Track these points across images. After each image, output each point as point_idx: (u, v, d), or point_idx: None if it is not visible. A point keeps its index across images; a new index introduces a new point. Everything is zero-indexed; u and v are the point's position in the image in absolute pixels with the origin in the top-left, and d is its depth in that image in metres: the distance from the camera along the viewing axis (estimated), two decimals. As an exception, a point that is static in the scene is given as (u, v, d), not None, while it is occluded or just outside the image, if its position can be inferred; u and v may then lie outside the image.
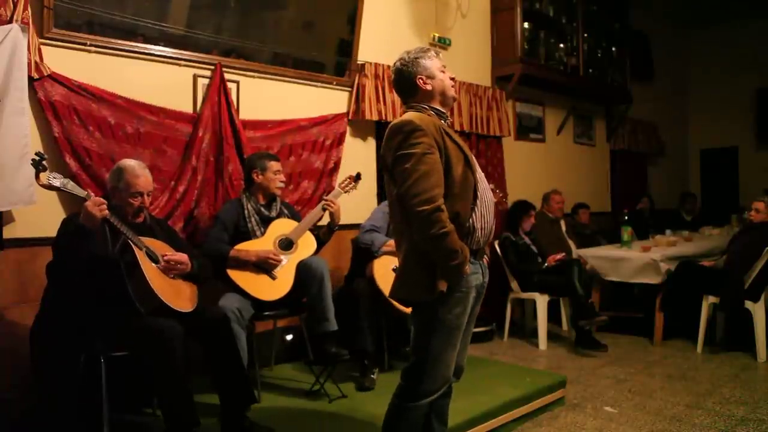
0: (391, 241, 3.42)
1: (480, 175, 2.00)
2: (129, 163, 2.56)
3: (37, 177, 2.19)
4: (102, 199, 2.27)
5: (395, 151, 1.88)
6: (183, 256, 2.58)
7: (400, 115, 1.99)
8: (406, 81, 2.04)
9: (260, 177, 3.16)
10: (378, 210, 3.70)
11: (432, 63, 2.03)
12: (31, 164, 2.19)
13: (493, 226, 2.05)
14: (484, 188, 2.00)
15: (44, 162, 2.19)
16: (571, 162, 6.39)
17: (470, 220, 1.93)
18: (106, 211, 2.26)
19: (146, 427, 2.71)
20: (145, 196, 2.54)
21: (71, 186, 2.25)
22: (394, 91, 2.16)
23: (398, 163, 1.87)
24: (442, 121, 2.01)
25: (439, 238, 1.80)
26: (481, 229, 1.96)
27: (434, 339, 1.94)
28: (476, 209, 1.94)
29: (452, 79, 2.07)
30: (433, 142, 1.87)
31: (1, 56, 2.55)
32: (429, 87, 2.02)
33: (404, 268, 1.96)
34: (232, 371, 2.56)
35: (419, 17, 4.66)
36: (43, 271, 2.50)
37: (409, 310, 2.04)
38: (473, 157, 2.02)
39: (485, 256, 2.08)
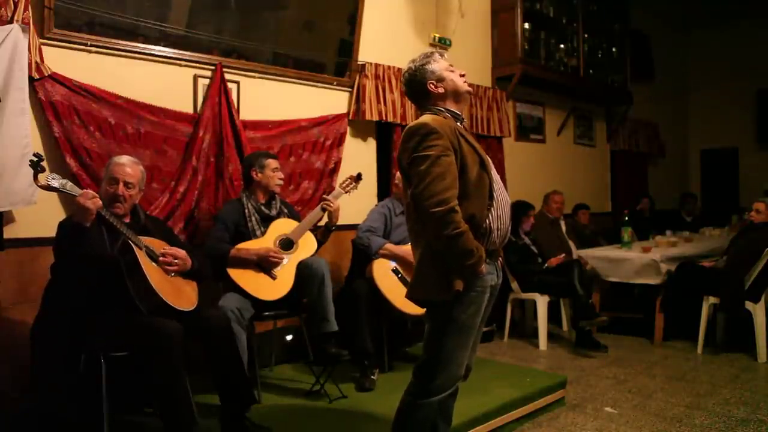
0: (389, 245, 3.42)
1: (495, 176, 2.02)
2: (120, 156, 2.57)
3: (35, 178, 2.19)
4: (93, 192, 2.26)
5: (411, 152, 1.90)
6: (180, 251, 2.57)
7: (414, 118, 2.01)
8: (417, 89, 2.07)
9: (259, 175, 3.16)
10: (374, 211, 3.66)
11: (438, 66, 2.05)
12: (29, 165, 2.18)
13: (509, 227, 2.07)
14: (500, 189, 2.02)
15: (42, 163, 2.18)
16: (572, 163, 6.39)
17: (486, 221, 1.94)
18: (99, 202, 2.24)
19: (146, 427, 2.70)
20: (122, 185, 2.46)
21: (70, 186, 2.25)
22: (407, 98, 2.18)
23: (414, 164, 1.89)
24: (458, 123, 2.03)
25: (453, 238, 1.82)
26: (497, 229, 1.98)
27: (448, 338, 1.95)
28: (492, 210, 1.96)
29: (462, 75, 2.08)
30: (448, 144, 1.89)
31: (1, 56, 2.55)
32: (441, 90, 2.05)
33: (420, 268, 1.97)
34: (232, 371, 2.56)
35: (419, 17, 4.66)
36: (44, 271, 2.49)
37: (422, 310, 2.04)
38: (488, 159, 2.03)
39: (499, 257, 2.09)
